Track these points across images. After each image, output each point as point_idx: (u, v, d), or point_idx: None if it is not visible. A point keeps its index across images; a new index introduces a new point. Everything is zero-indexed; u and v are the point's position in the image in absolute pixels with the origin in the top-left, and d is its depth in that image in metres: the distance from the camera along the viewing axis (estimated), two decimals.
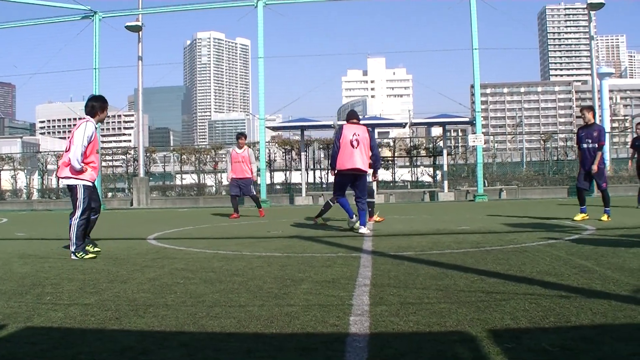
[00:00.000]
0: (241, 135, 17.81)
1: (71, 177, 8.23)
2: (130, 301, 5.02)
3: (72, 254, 8.07)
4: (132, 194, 30.51)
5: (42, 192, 37.28)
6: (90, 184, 8.38)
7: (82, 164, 8.15)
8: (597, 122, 13.34)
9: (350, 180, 11.28)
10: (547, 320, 3.97)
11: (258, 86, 28.57)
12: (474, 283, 5.45)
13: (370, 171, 11.79)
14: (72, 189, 8.29)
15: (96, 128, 8.53)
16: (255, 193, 17.68)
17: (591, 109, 12.74)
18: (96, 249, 8.55)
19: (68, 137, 8.49)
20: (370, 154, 11.24)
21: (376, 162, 11.55)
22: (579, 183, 12.65)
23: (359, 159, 11.01)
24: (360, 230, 10.86)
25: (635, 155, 17.05)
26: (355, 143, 11.02)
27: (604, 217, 12.26)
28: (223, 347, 3.63)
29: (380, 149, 33.16)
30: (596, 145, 12.33)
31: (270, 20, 29.18)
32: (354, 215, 11.28)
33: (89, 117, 8.42)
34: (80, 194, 8.20)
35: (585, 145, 12.50)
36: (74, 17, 29.94)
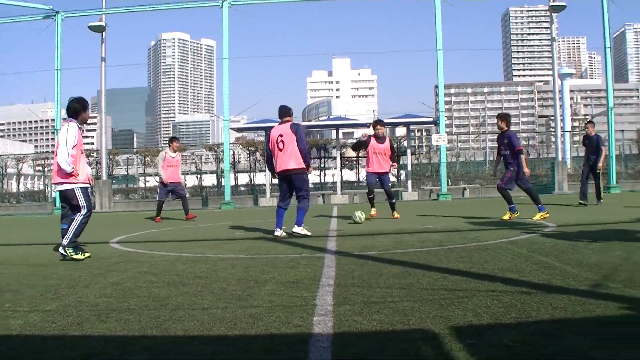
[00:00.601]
0: (175, 139, 18.06)
1: (64, 182, 8.37)
2: (92, 306, 4.97)
3: (61, 248, 8.19)
4: (95, 197, 30.16)
5: (2, 196, 36.67)
6: (87, 184, 8.56)
7: (72, 165, 8.27)
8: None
9: (287, 182, 10.85)
10: (509, 316, 4.02)
11: (222, 87, 28.42)
12: (437, 281, 5.50)
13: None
14: (68, 194, 8.42)
15: (79, 128, 8.62)
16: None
17: (503, 117, 13.12)
18: (87, 254, 8.48)
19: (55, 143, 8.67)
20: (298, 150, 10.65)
21: (304, 158, 10.68)
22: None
23: (286, 160, 10.59)
24: (293, 230, 10.62)
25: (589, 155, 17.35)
26: (280, 145, 10.64)
27: (505, 216, 12.68)
28: (187, 350, 3.63)
29: (344, 149, 33.18)
30: (509, 152, 12.74)
31: (236, 21, 29.11)
32: (280, 230, 10.67)
33: (71, 119, 8.55)
34: (79, 196, 8.38)
35: (503, 152, 12.96)
36: (35, 17, 29.39)
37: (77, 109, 8.57)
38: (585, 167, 17.23)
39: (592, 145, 17.06)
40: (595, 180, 16.98)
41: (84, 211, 8.36)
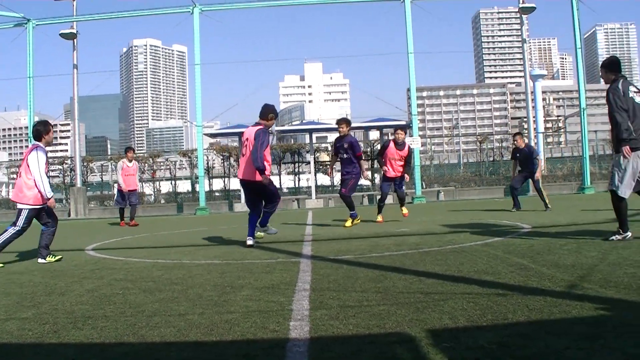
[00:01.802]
0: (130, 149, 19.16)
1: (18, 202, 8.95)
2: (68, 314, 4.94)
3: None
4: (70, 205, 29.89)
5: None
6: (38, 206, 8.95)
7: (50, 191, 8.99)
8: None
9: (250, 190, 10.21)
10: (485, 318, 4.04)
11: (195, 93, 28.31)
12: (412, 284, 5.51)
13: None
14: (19, 211, 8.95)
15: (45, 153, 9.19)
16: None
17: (347, 122, 13.59)
18: (58, 257, 9.08)
19: (20, 164, 9.26)
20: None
21: (253, 162, 9.61)
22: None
23: (247, 168, 9.90)
24: (257, 232, 10.30)
25: (518, 168, 16.95)
26: (244, 150, 10.02)
27: (348, 223, 13.07)
28: (163, 356, 3.62)
29: (318, 154, 33.14)
30: (349, 156, 13.15)
31: (207, 27, 29.07)
32: (252, 239, 9.91)
33: (36, 142, 9.12)
34: (23, 216, 8.88)
35: (341, 156, 13.36)
36: (7, 25, 29.09)
37: (39, 132, 9.17)
38: (519, 176, 16.80)
39: (524, 157, 16.55)
40: (537, 189, 16.37)
41: (17, 228, 8.85)
